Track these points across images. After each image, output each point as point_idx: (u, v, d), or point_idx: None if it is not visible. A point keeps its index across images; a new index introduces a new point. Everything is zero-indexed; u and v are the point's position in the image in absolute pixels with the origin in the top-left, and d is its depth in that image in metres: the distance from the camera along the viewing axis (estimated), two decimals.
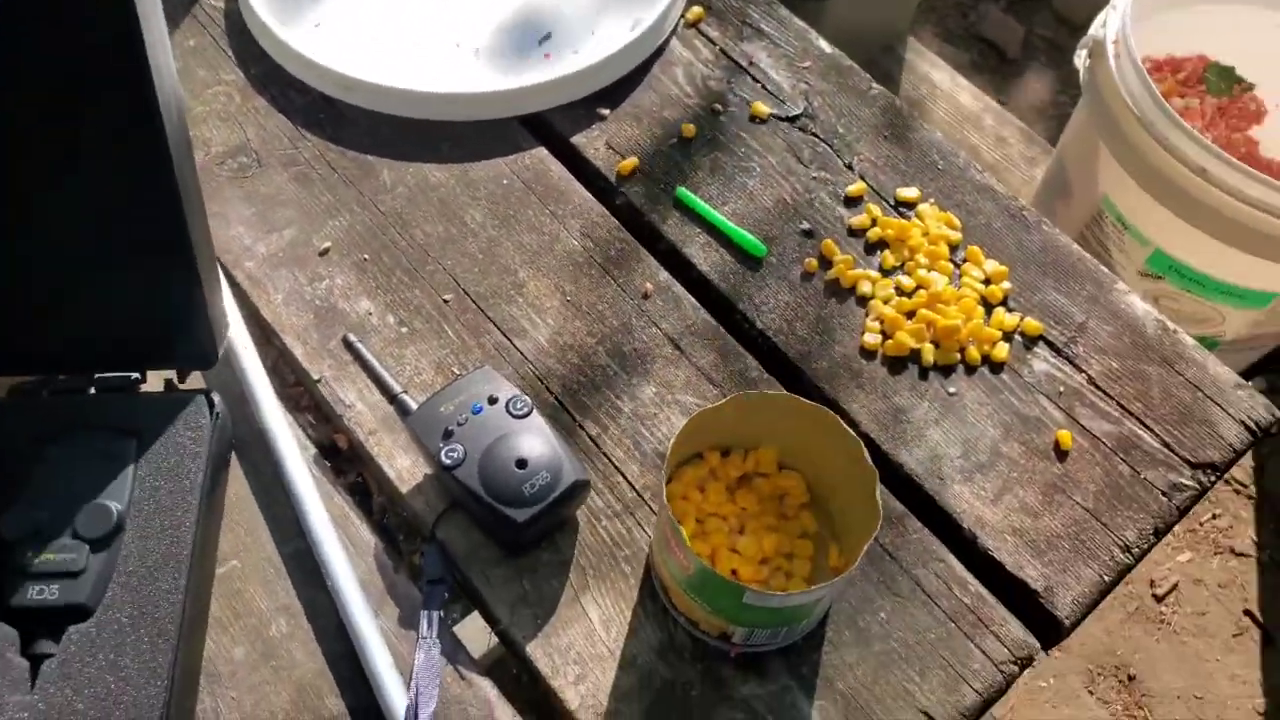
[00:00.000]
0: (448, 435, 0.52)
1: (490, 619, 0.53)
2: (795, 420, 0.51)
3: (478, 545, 0.54)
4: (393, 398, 0.54)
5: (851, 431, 0.49)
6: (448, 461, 0.51)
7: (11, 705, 0.44)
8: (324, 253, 0.63)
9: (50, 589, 0.46)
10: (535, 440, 0.52)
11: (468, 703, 0.50)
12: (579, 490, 0.52)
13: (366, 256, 0.63)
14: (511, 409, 0.53)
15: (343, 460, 0.59)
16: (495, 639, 0.54)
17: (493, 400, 0.53)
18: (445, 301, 0.62)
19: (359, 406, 0.58)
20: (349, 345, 0.55)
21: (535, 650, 0.51)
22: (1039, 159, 1.37)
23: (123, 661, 0.45)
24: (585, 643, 0.52)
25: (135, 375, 0.53)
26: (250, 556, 0.53)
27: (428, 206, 0.66)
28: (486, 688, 0.51)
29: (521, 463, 0.51)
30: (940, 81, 1.42)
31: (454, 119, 0.69)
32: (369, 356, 0.55)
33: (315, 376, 0.59)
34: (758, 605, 0.47)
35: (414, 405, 0.54)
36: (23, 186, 0.50)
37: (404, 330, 0.61)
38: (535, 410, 0.53)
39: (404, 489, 0.56)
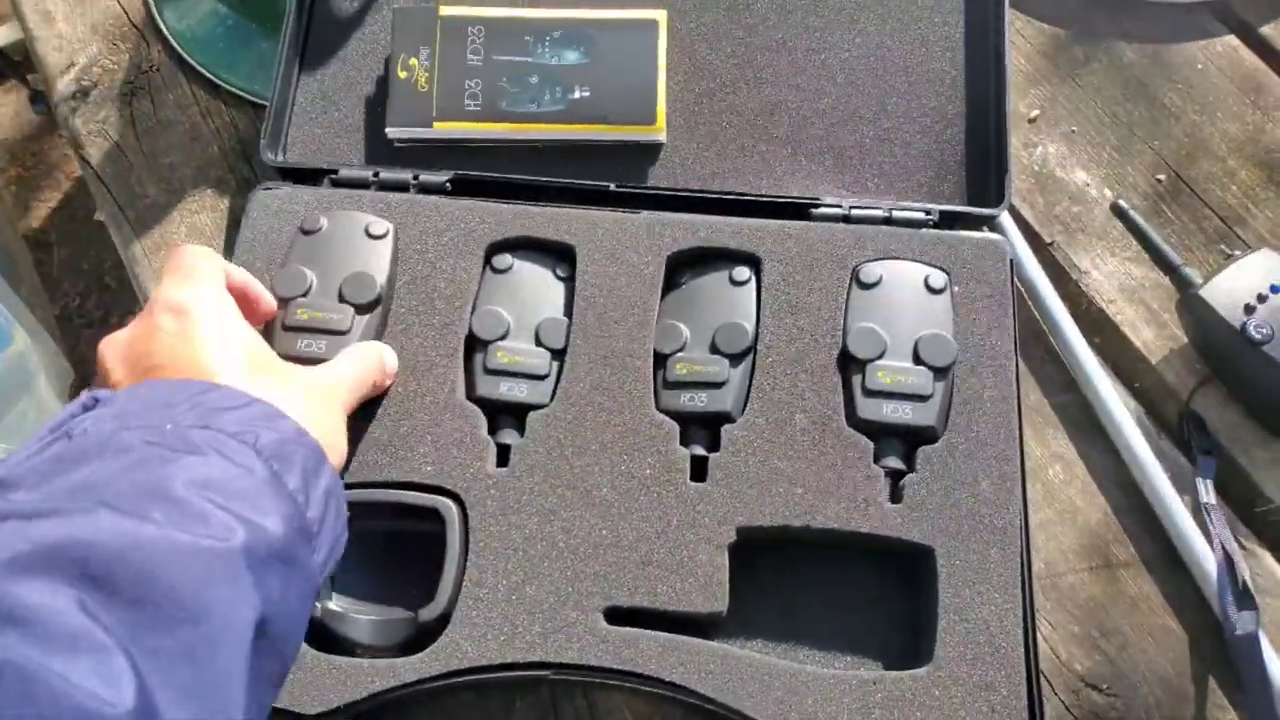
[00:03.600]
0: (1249, 310, 0.52)
1: (1252, 499, 0.53)
2: None
3: (1236, 424, 0.54)
4: (1174, 268, 0.54)
5: None
6: (1257, 336, 0.51)
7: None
8: (1032, 120, 0.63)
9: (903, 409, 0.48)
10: None
11: (1254, 570, 0.51)
12: None
13: (1074, 129, 0.63)
14: None
15: None
16: None
17: None
18: (1159, 181, 0.61)
19: (1094, 274, 0.58)
20: (1121, 212, 0.56)
21: None
22: None
23: (980, 485, 0.48)
24: None
25: (928, 212, 0.54)
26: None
27: (1125, 85, 0.65)
28: (1270, 561, 0.51)
29: None
30: None
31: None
32: (1145, 225, 0.55)
33: (1047, 240, 0.59)
34: None
35: (1198, 279, 0.54)
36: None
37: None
38: None
39: (1152, 359, 0.56)
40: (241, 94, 0.65)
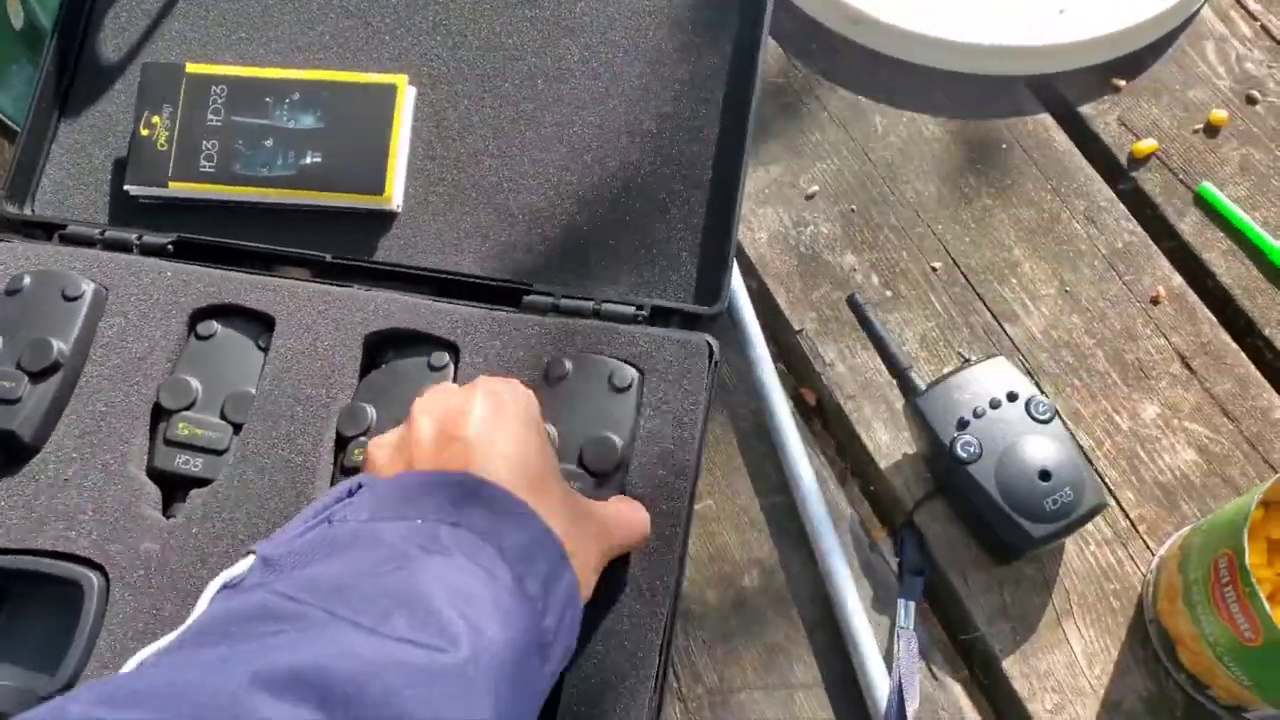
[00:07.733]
0: (962, 425, 0.49)
1: (962, 623, 0.50)
2: None
3: (956, 542, 0.51)
4: (900, 372, 0.51)
5: None
6: (963, 455, 0.48)
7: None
8: (810, 196, 0.61)
9: None
10: (1059, 450, 0.48)
11: (939, 704, 0.48)
12: (1097, 513, 0.48)
13: (854, 207, 0.60)
14: (1034, 411, 0.49)
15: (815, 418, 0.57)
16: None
17: (1012, 397, 0.49)
18: (933, 269, 0.58)
19: (839, 367, 0.56)
20: (855, 306, 0.53)
21: (1012, 668, 0.49)
22: None
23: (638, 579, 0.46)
24: (1066, 672, 0.48)
25: (640, 307, 0.52)
26: (726, 502, 0.53)
27: (921, 162, 0.61)
28: (959, 692, 0.49)
29: (1045, 474, 0.47)
30: None
31: (955, 69, 0.63)
32: (877, 324, 0.52)
33: (796, 327, 0.57)
34: None
35: (922, 384, 0.51)
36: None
37: (888, 294, 0.57)
38: (1058, 417, 0.49)
39: (882, 464, 0.53)
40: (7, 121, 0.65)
